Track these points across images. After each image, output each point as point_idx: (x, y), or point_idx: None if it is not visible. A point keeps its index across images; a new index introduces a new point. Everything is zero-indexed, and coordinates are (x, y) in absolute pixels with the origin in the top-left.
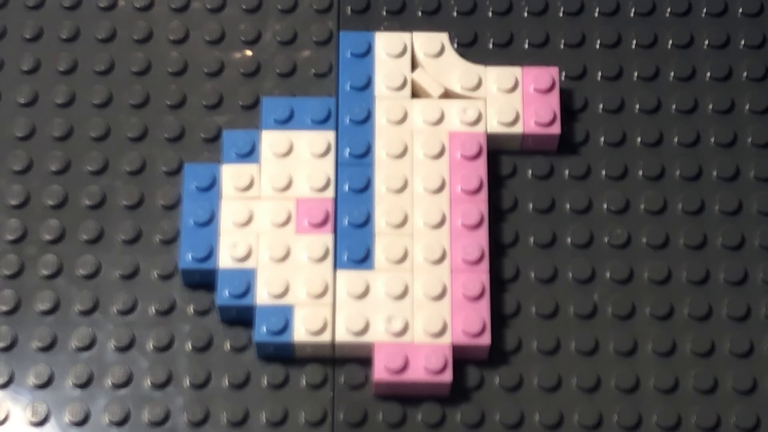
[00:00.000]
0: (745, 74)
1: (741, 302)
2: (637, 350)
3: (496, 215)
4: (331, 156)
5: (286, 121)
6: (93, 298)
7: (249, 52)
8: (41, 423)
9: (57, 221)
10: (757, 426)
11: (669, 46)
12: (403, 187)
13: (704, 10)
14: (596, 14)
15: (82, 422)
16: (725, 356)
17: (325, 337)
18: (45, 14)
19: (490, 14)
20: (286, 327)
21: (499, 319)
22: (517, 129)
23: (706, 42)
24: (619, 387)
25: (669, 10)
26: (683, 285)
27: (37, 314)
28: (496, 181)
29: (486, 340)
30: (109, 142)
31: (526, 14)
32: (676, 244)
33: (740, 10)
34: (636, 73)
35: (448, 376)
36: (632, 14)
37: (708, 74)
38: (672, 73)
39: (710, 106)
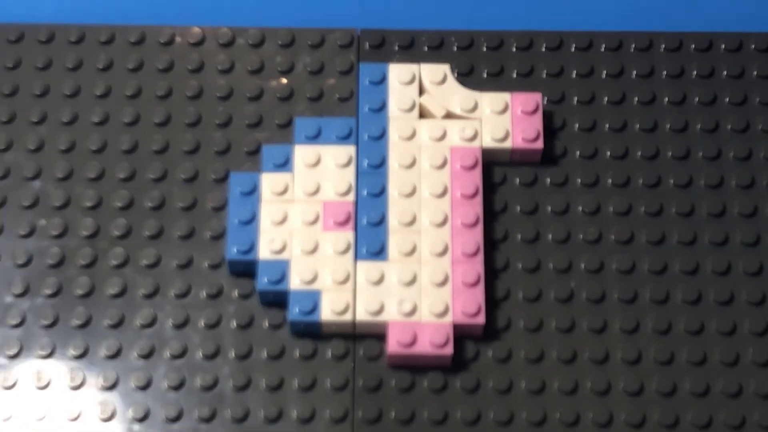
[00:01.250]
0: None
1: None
2: (606, 328)
3: (490, 216)
4: (353, 166)
5: (315, 138)
6: (154, 284)
7: (284, 80)
8: (111, 387)
9: (124, 220)
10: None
11: (633, 76)
12: (412, 192)
13: (662, 47)
14: (573, 49)
15: (145, 387)
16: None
17: (347, 317)
18: (115, 49)
19: (485, 49)
20: (314, 308)
21: (492, 303)
22: (507, 144)
23: (665, 72)
24: (591, 359)
25: (633, 46)
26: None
27: (108, 297)
28: (489, 188)
29: (481, 319)
30: (168, 155)
31: (514, 49)
32: (639, 241)
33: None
34: (606, 98)
35: (449, 350)
36: (603, 49)
37: (666, 99)
38: (636, 98)
39: (668, 126)
